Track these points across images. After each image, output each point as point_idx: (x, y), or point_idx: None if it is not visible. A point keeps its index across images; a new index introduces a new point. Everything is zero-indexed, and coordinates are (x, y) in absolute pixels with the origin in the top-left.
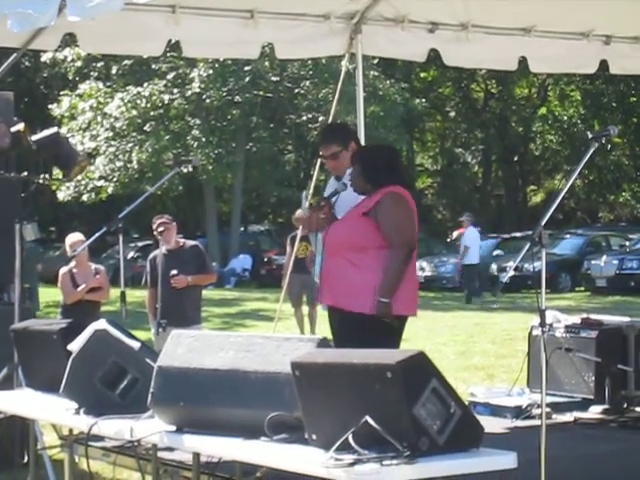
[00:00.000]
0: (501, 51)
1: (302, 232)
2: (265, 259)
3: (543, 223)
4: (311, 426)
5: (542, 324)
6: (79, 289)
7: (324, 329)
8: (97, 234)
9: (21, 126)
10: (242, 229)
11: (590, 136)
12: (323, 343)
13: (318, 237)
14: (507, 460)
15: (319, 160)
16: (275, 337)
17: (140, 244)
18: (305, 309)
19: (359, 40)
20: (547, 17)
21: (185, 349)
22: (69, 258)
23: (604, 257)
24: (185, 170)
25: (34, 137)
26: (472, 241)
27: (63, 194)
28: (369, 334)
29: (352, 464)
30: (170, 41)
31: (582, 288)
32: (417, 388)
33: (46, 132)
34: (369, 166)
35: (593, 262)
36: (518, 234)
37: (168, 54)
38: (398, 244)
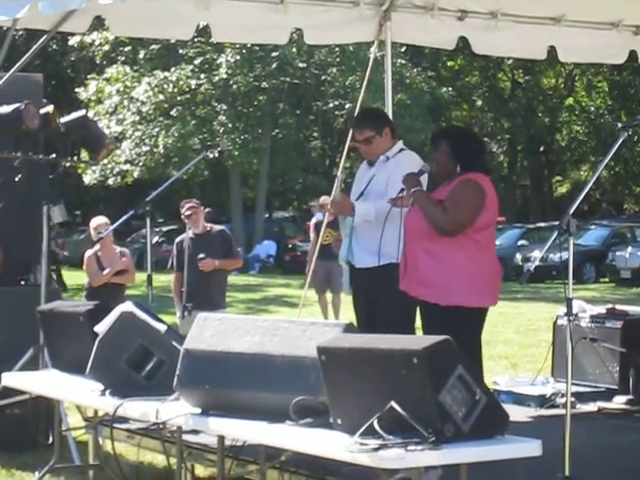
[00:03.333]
0: (530, 40)
1: (328, 218)
2: (289, 245)
3: (571, 212)
4: (336, 411)
5: (569, 313)
6: (105, 272)
7: (348, 316)
8: (124, 217)
9: (50, 108)
10: (267, 215)
11: (619, 126)
12: (349, 328)
13: (346, 221)
14: (532, 448)
15: (347, 145)
16: (301, 322)
17: (165, 229)
18: (329, 296)
19: (388, 27)
20: (577, 6)
21: (211, 332)
22: (95, 241)
23: (629, 248)
24: (211, 155)
25: (63, 119)
26: None
27: (89, 177)
28: (446, 326)
29: (377, 449)
30: (199, 26)
31: (606, 279)
32: (443, 374)
33: (75, 115)
34: (461, 147)
35: (618, 253)
36: (543, 224)
37: (196, 39)
38: (448, 217)
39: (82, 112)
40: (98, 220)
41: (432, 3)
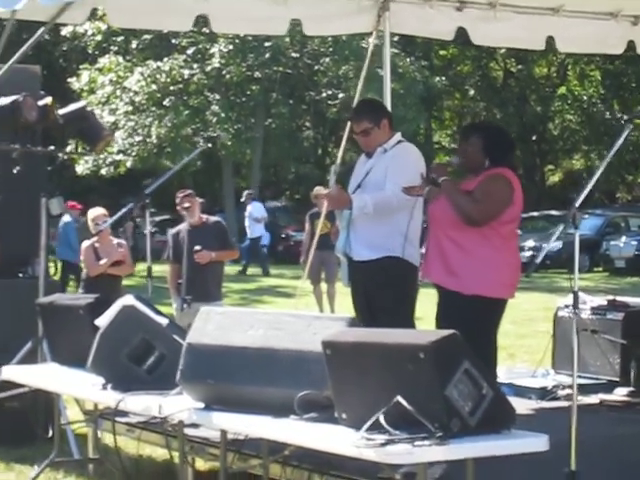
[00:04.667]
0: (529, 30)
1: (327, 209)
2: (283, 235)
3: (578, 204)
4: (341, 405)
5: (575, 305)
6: (102, 262)
7: (343, 306)
8: (124, 210)
9: (48, 100)
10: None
11: (625, 117)
12: (353, 322)
13: (343, 213)
14: (539, 442)
15: (346, 135)
16: (305, 315)
17: (157, 219)
18: (324, 286)
19: (387, 18)
20: None
21: (214, 326)
22: (95, 233)
23: (623, 238)
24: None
25: (61, 111)
26: None
27: (82, 168)
28: (464, 315)
29: (384, 444)
30: (197, 17)
31: (600, 269)
32: (449, 369)
33: (73, 106)
34: (494, 142)
35: (612, 243)
36: (535, 213)
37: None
38: (478, 207)
39: (81, 103)
40: (96, 211)
41: None
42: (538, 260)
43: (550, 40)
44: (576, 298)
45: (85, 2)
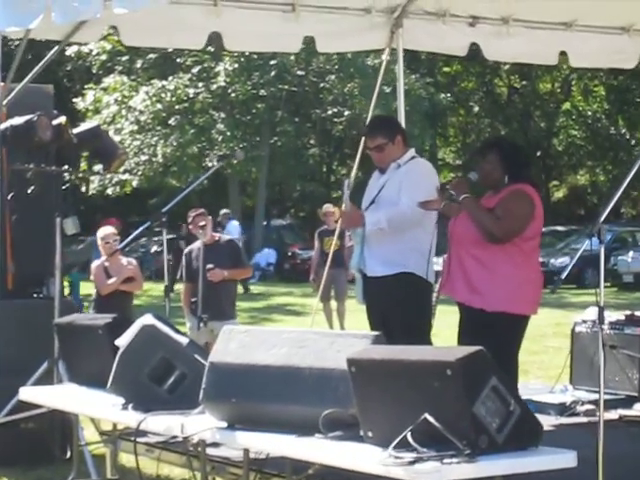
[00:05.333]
0: (541, 45)
1: (340, 227)
2: (289, 253)
3: (602, 219)
4: (367, 423)
5: (601, 321)
6: (111, 280)
7: (353, 324)
8: (140, 228)
9: (62, 119)
10: (265, 223)
11: None
12: (378, 339)
13: (357, 230)
14: (567, 458)
15: (360, 152)
16: (329, 333)
17: (158, 238)
18: (333, 304)
19: (400, 34)
20: (588, 11)
21: (237, 345)
22: (110, 254)
23: (631, 253)
24: (210, 164)
25: (75, 130)
26: None
27: (86, 187)
28: (490, 331)
29: (412, 462)
30: (211, 34)
31: (608, 284)
32: (477, 386)
33: (87, 125)
34: (511, 158)
35: (620, 258)
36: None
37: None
38: (502, 224)
39: (94, 123)
40: (106, 230)
41: (444, 9)
42: (563, 276)
43: (562, 55)
44: (601, 313)
45: (99, 21)
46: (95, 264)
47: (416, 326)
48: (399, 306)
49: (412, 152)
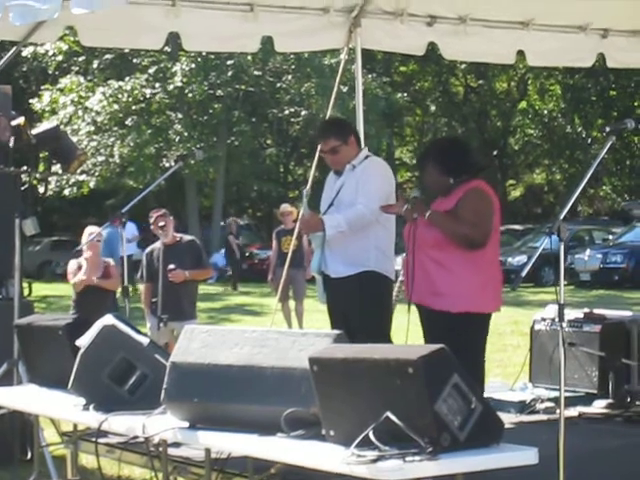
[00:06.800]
0: (499, 45)
1: (300, 233)
2: (247, 254)
3: (562, 217)
4: (329, 422)
5: (561, 318)
6: (80, 274)
7: (311, 324)
8: (101, 229)
9: (21, 120)
10: (222, 223)
11: (607, 129)
12: (340, 338)
13: (316, 234)
14: (528, 455)
15: (317, 156)
16: (290, 332)
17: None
18: (292, 304)
19: (358, 34)
20: (545, 10)
21: (199, 344)
22: (77, 250)
23: (588, 251)
24: (167, 164)
25: (34, 131)
26: None
27: (44, 188)
28: (454, 332)
29: (375, 460)
30: (169, 35)
31: (566, 282)
32: (438, 383)
33: (46, 126)
34: (448, 161)
35: (577, 256)
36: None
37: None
38: (479, 230)
39: (53, 123)
40: (91, 229)
41: (402, 9)
42: (523, 273)
43: (520, 54)
44: (562, 311)
45: (57, 21)
46: (72, 262)
47: (377, 325)
48: (361, 305)
49: (366, 152)
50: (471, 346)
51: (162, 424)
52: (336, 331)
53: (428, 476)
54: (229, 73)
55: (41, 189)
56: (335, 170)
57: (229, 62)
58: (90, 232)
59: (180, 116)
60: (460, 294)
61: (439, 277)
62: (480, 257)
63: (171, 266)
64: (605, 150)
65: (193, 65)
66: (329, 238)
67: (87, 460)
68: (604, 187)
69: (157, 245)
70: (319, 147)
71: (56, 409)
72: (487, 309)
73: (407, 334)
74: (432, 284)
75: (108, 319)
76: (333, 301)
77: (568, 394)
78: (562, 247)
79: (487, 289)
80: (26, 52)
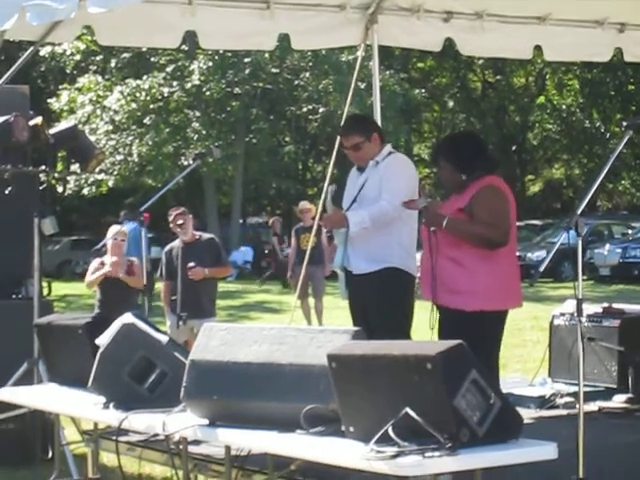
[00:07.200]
0: (516, 40)
1: (325, 228)
2: (266, 251)
3: (579, 212)
4: (348, 418)
5: (579, 313)
6: (96, 274)
7: (331, 320)
8: (122, 227)
9: (39, 120)
10: (241, 221)
11: (625, 124)
12: (358, 335)
13: (340, 230)
14: (547, 451)
15: (334, 153)
16: (309, 329)
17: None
18: (311, 301)
19: (375, 30)
20: (562, 5)
21: (218, 342)
22: (96, 249)
23: (607, 246)
24: (185, 162)
25: (52, 131)
26: None
27: (63, 188)
28: (470, 331)
29: (394, 456)
30: (185, 33)
31: (585, 277)
32: (457, 379)
33: (64, 125)
34: (460, 157)
35: (596, 251)
36: (518, 223)
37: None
38: (499, 230)
39: (71, 123)
40: (115, 228)
41: (418, 5)
42: (541, 269)
43: (537, 49)
44: (580, 306)
45: (74, 21)
46: (94, 261)
47: (397, 321)
48: (382, 301)
49: (389, 148)
50: (486, 343)
51: (182, 422)
52: (354, 327)
53: (447, 471)
54: (246, 71)
55: (60, 188)
56: (358, 166)
57: (246, 60)
58: (114, 231)
59: (198, 114)
60: (476, 292)
61: (455, 275)
62: (496, 254)
63: (191, 264)
64: (622, 144)
65: (210, 63)
66: (352, 234)
67: (108, 458)
68: (623, 182)
69: (176, 243)
70: (342, 143)
71: (76, 408)
72: (503, 306)
73: (432, 332)
74: (448, 282)
75: (127, 317)
76: (354, 297)
77: (587, 389)
78: (580, 242)
79: (503, 286)
80: (44, 52)
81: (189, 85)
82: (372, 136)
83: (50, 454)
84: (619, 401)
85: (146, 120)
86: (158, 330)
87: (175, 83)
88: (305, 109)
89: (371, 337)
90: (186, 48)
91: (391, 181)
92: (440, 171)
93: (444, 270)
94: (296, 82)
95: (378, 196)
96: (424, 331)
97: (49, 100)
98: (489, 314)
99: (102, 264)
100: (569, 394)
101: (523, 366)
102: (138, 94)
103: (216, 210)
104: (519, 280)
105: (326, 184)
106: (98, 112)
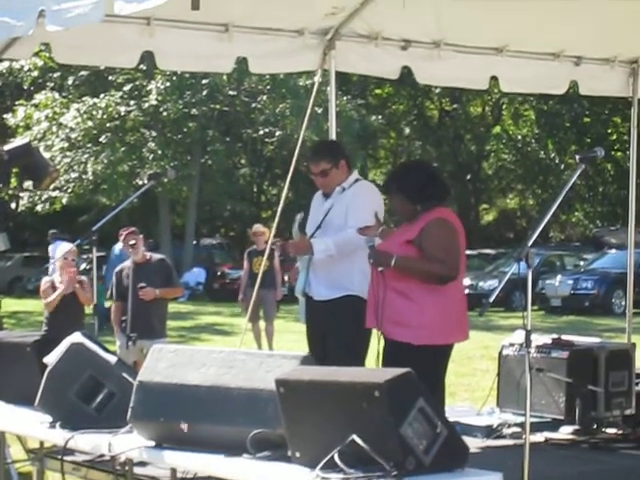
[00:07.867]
0: (473, 70)
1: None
2: (218, 273)
3: (530, 243)
4: (295, 444)
5: (527, 344)
6: (54, 294)
7: (281, 344)
8: (72, 246)
9: None
10: (194, 242)
11: (578, 157)
12: (307, 360)
13: (303, 256)
14: None
15: (289, 177)
16: (258, 353)
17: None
18: (262, 324)
19: (332, 56)
20: (518, 37)
21: (166, 364)
22: (46, 267)
23: (559, 277)
24: (140, 182)
25: (6, 147)
26: None
27: (16, 204)
28: (416, 363)
29: None
30: (143, 53)
31: (536, 307)
32: (404, 407)
33: (18, 142)
34: (411, 187)
35: (548, 282)
36: (469, 252)
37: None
38: (449, 265)
39: (25, 139)
40: (66, 247)
41: (376, 32)
42: (491, 299)
43: (493, 80)
44: (528, 337)
45: (32, 38)
46: (44, 280)
47: (354, 348)
48: (340, 328)
49: (356, 175)
50: (431, 375)
51: (128, 443)
52: (303, 353)
53: None
54: (204, 92)
55: (13, 205)
56: (324, 192)
57: (204, 81)
58: (65, 252)
59: (154, 134)
60: (424, 326)
61: (403, 308)
62: (444, 287)
63: (141, 284)
64: (574, 178)
65: (168, 84)
66: (317, 261)
67: (53, 478)
68: (576, 213)
69: (127, 264)
70: (309, 168)
71: (23, 426)
72: (450, 340)
73: (378, 359)
74: (395, 315)
75: (76, 337)
76: (313, 323)
77: (535, 419)
78: (530, 274)
79: (451, 320)
80: (1, 67)
81: (146, 105)
82: (340, 163)
83: None
84: (566, 432)
85: (102, 138)
86: (107, 350)
87: (132, 102)
88: (261, 132)
89: (326, 363)
90: (144, 68)
91: (358, 209)
92: (392, 200)
93: (392, 302)
94: (253, 105)
95: (344, 223)
96: (370, 360)
97: (5, 115)
98: (436, 347)
99: (52, 284)
100: (516, 424)
101: (471, 395)
102: (95, 112)
103: (170, 230)
104: (466, 312)
105: (297, 216)
106: (54, 129)
